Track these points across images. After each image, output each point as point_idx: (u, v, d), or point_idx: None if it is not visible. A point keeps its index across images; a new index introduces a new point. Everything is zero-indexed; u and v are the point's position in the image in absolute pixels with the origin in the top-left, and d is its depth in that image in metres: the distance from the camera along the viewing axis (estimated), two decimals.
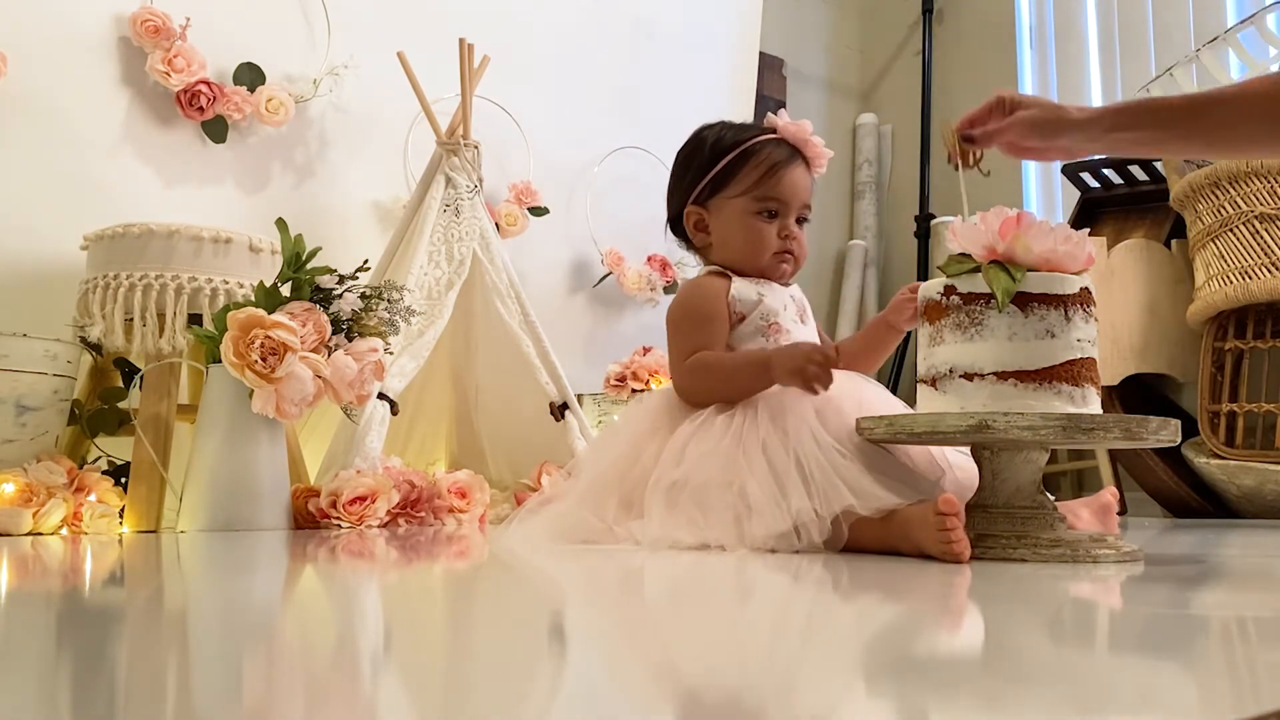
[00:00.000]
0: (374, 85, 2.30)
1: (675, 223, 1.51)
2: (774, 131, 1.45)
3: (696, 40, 3.00)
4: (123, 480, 1.68)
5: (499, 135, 2.48)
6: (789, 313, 1.43)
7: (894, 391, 3.04)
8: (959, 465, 1.26)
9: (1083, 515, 1.27)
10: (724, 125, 1.49)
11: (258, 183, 2.20)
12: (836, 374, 1.40)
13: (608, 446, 1.48)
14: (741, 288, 1.41)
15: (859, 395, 1.31)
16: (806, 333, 1.45)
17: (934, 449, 1.26)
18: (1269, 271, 2.18)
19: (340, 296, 1.67)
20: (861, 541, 1.14)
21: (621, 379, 2.26)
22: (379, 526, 1.69)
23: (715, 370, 1.35)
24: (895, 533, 1.10)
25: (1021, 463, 1.12)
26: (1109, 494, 1.31)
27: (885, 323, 1.48)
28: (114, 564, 1.17)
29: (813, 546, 1.14)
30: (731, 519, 1.19)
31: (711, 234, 1.46)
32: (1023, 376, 1.07)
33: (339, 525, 1.65)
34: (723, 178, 1.44)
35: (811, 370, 1.24)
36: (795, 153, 1.45)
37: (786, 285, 1.48)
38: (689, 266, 2.78)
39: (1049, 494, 1.17)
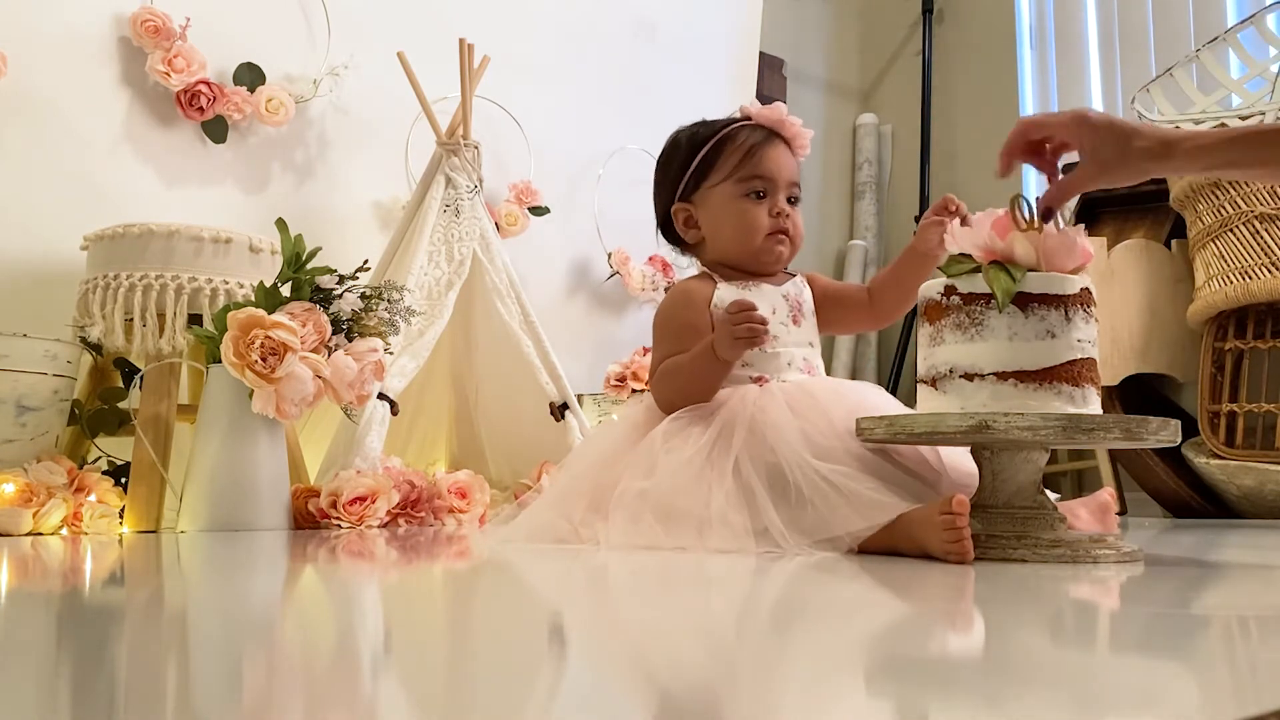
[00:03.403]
0: (374, 85, 2.30)
1: (665, 226, 1.50)
2: (749, 119, 1.45)
3: (696, 40, 3.00)
4: (123, 480, 1.68)
5: (499, 135, 2.48)
6: (778, 316, 1.40)
7: (894, 391, 3.04)
8: (955, 466, 1.25)
9: (1081, 515, 1.27)
10: (697, 123, 1.48)
11: (258, 183, 2.20)
12: (824, 380, 1.40)
13: (588, 450, 1.48)
14: (726, 294, 1.38)
15: (848, 398, 1.29)
16: (800, 334, 1.42)
17: (927, 451, 1.26)
18: (1269, 271, 2.18)
19: (340, 297, 1.67)
20: (862, 541, 1.13)
21: (621, 379, 2.26)
22: (379, 526, 1.69)
23: (675, 373, 1.35)
24: (897, 533, 1.10)
25: (1021, 463, 1.12)
26: (1107, 494, 1.30)
27: (914, 251, 1.40)
28: (114, 564, 1.17)
29: (804, 548, 1.13)
30: (693, 528, 1.18)
31: (702, 227, 1.44)
32: (1023, 377, 1.07)
33: (339, 525, 1.65)
34: (703, 169, 1.43)
35: (741, 330, 1.25)
36: (772, 134, 1.44)
37: (780, 281, 1.45)
38: (685, 269, 2.78)
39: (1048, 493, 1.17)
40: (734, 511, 1.17)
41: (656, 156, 1.51)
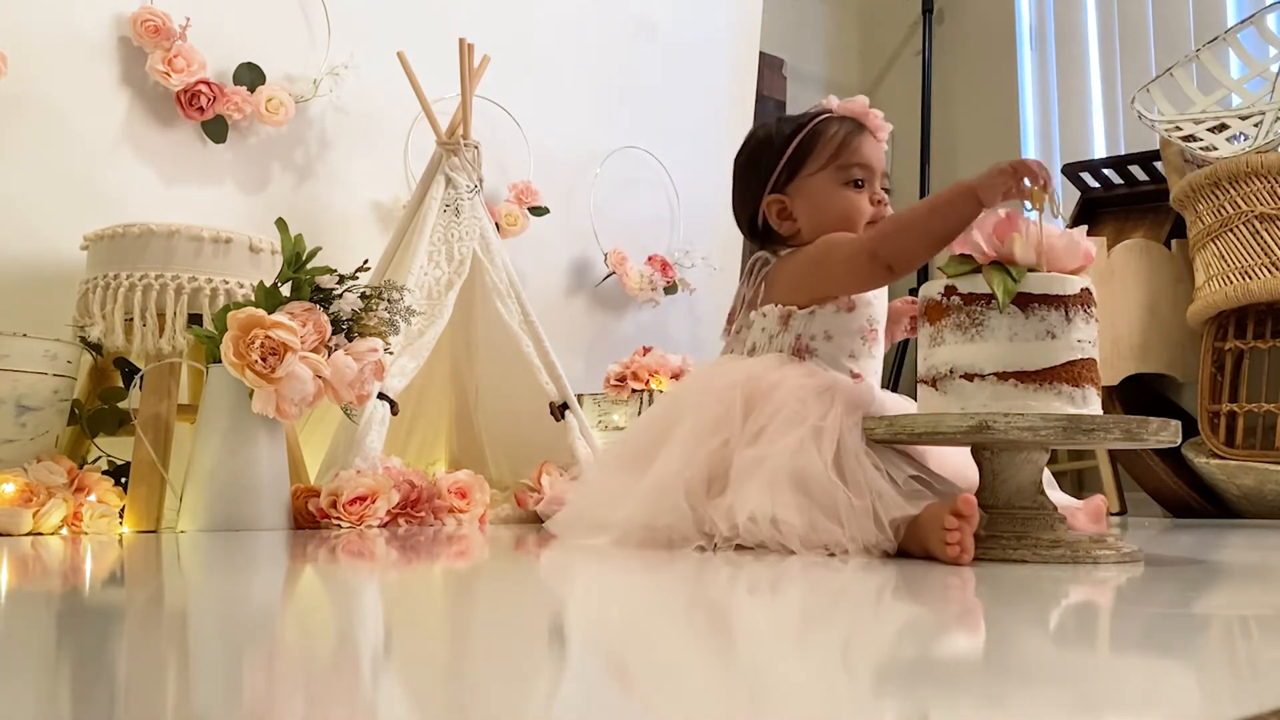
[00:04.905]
0: (374, 85, 2.30)
1: (753, 224, 1.43)
2: (831, 113, 1.42)
3: (696, 40, 2.99)
4: (123, 480, 1.68)
5: (499, 135, 2.48)
6: (882, 326, 1.38)
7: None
8: (958, 473, 1.25)
9: (1079, 517, 1.27)
10: (778, 118, 1.47)
11: (258, 183, 2.20)
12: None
13: (654, 436, 1.32)
14: None
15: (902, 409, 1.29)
16: (880, 351, 1.39)
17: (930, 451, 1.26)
18: (1269, 271, 2.18)
19: (340, 296, 1.67)
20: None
21: (621, 379, 2.26)
22: (379, 526, 1.69)
23: (907, 225, 1.24)
24: (904, 534, 1.10)
25: (1022, 463, 1.12)
26: (1100, 499, 1.32)
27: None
28: (114, 564, 1.17)
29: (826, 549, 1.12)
30: (837, 517, 1.11)
31: (798, 218, 1.39)
32: (1023, 377, 1.07)
33: (339, 525, 1.65)
34: (798, 159, 1.39)
35: (1010, 170, 1.13)
36: (860, 125, 1.41)
37: None
38: (686, 268, 2.78)
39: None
40: (863, 508, 1.12)
41: (735, 158, 1.46)
